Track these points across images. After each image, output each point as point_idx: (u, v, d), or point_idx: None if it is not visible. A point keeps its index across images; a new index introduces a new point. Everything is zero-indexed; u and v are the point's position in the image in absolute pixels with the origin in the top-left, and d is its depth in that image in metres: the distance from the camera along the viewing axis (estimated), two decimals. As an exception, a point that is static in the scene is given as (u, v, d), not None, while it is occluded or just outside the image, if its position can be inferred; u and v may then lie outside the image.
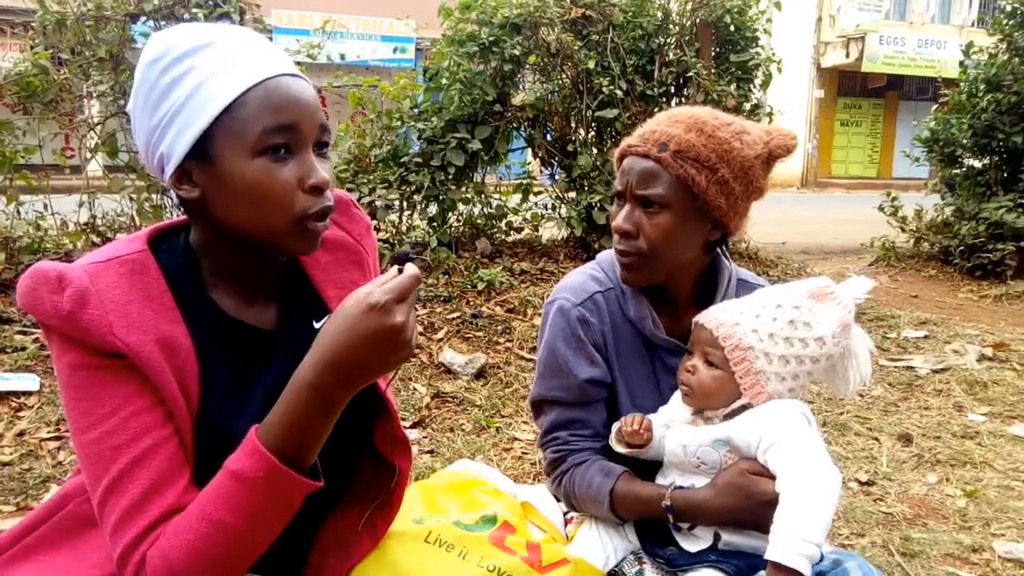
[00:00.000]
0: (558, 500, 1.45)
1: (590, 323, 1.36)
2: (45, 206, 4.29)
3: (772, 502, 1.10)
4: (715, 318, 1.23)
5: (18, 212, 4.19)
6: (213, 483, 0.89)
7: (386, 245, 4.76)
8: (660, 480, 1.29)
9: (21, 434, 2.78)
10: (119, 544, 0.89)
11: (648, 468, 1.32)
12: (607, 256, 1.44)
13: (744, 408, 1.22)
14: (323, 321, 0.92)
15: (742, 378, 1.20)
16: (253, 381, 1.01)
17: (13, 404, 2.96)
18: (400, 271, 0.90)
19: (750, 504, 1.16)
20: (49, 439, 2.74)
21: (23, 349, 3.30)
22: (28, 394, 3.02)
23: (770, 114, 5.63)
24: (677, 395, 1.31)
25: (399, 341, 0.88)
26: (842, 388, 1.24)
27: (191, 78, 0.92)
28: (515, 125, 5.32)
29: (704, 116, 1.28)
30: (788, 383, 1.20)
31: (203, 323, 0.98)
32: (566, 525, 1.43)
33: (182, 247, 1.03)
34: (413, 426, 3.10)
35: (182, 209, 1.02)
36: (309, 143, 0.96)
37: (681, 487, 1.23)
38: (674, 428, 1.27)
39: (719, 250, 1.40)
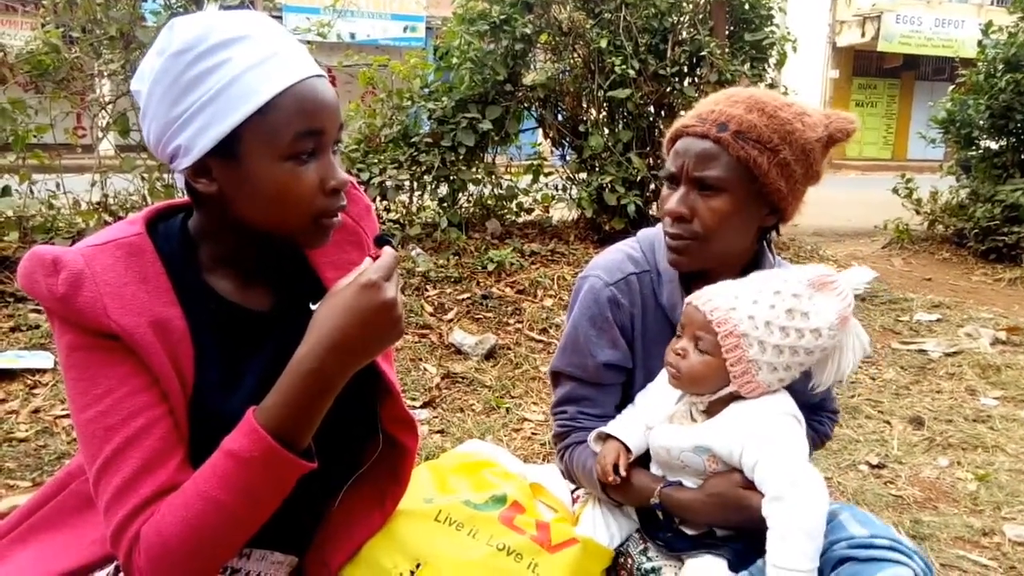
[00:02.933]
0: (563, 473, 1.46)
1: (620, 304, 1.33)
2: (57, 185, 4.31)
3: (760, 516, 1.10)
4: (710, 300, 1.17)
5: (31, 191, 4.21)
6: (209, 462, 0.90)
7: (396, 225, 4.76)
8: (653, 468, 1.28)
9: (36, 411, 2.81)
10: (112, 521, 0.90)
11: (643, 455, 1.30)
12: (648, 234, 1.40)
13: (731, 397, 1.19)
14: (320, 303, 0.93)
15: (733, 366, 1.15)
16: (248, 363, 1.02)
17: (28, 381, 2.99)
18: (375, 256, 0.95)
19: (739, 515, 1.16)
20: (63, 416, 2.77)
21: (37, 327, 3.33)
22: (42, 372, 3.05)
23: (784, 94, 5.57)
24: (663, 375, 1.28)
25: (392, 316, 0.91)
26: (819, 379, 1.19)
27: (223, 73, 0.90)
28: (526, 105, 5.29)
29: (763, 96, 1.23)
30: (779, 373, 1.16)
31: (198, 306, 0.99)
32: (574, 504, 1.44)
33: (179, 230, 1.03)
34: (423, 406, 3.11)
35: (185, 193, 1.02)
36: (330, 145, 0.97)
37: (671, 483, 1.23)
38: (657, 429, 1.24)
39: (763, 240, 1.35)
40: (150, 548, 0.89)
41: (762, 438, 1.13)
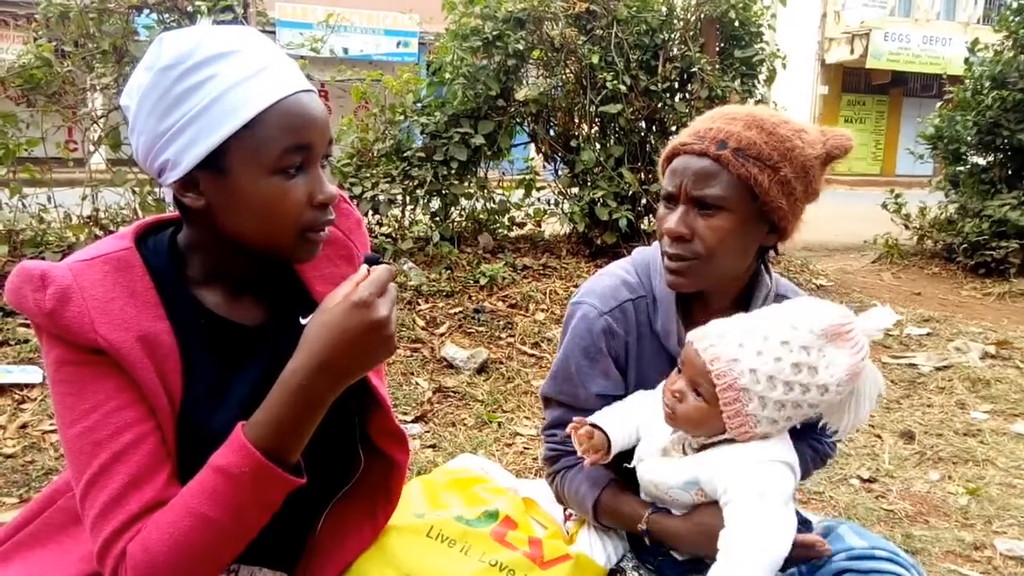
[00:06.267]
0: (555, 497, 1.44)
1: (615, 334, 1.30)
2: (48, 199, 4.30)
3: None
4: (712, 347, 1.09)
5: (22, 205, 4.19)
6: (197, 478, 0.90)
7: (389, 239, 4.76)
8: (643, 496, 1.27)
9: (24, 426, 2.79)
10: (99, 537, 0.90)
11: (633, 474, 1.28)
12: (644, 256, 1.37)
13: (726, 440, 1.15)
14: (309, 318, 0.93)
15: (730, 418, 1.09)
16: (238, 377, 1.01)
17: (16, 396, 2.96)
18: (369, 272, 0.93)
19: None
20: (51, 431, 2.75)
21: (26, 342, 3.31)
22: (31, 386, 3.02)
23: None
24: (653, 410, 1.24)
25: (383, 335, 0.90)
26: (835, 424, 1.12)
27: (211, 88, 0.90)
28: (518, 120, 5.31)
29: (761, 113, 1.21)
30: (779, 424, 1.11)
31: (187, 320, 0.98)
32: (566, 520, 1.43)
33: (167, 244, 1.02)
34: (415, 420, 3.10)
35: (174, 207, 1.01)
36: (319, 159, 0.97)
37: (659, 509, 1.21)
38: (648, 462, 1.21)
39: (761, 259, 1.31)
40: (137, 566, 0.88)
41: (743, 482, 1.09)
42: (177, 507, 0.89)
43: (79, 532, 1.00)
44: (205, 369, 0.99)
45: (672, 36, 5.37)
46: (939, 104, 7.52)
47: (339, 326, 0.89)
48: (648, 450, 1.23)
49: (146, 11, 4.42)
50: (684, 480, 1.15)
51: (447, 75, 5.04)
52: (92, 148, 4.48)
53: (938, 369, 3.98)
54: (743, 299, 1.32)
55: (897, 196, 7.19)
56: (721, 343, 1.09)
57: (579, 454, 1.22)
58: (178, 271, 1.01)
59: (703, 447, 1.17)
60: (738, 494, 1.09)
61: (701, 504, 1.17)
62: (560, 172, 5.53)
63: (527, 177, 5.49)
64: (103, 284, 0.93)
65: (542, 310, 4.29)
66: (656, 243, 1.31)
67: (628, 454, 1.26)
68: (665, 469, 1.19)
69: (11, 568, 1.02)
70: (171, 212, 1.08)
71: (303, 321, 0.94)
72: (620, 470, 1.28)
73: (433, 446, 2.90)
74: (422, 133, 4.96)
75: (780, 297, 1.35)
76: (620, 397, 1.34)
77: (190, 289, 1.01)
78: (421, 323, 3.96)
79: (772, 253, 1.33)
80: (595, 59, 4.99)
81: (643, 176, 5.23)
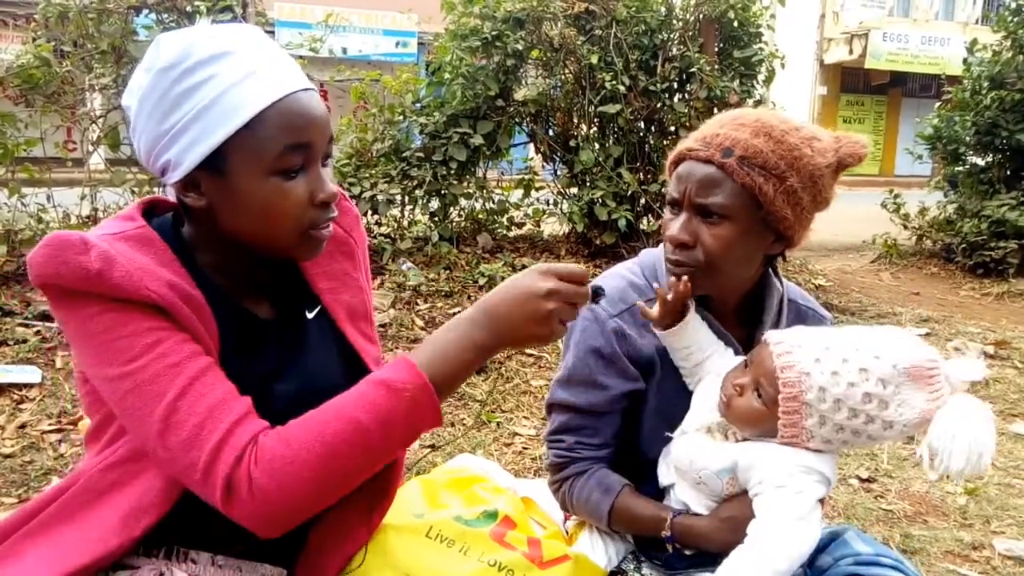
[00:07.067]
0: (560, 504, 1.43)
1: (627, 335, 1.27)
2: (47, 198, 4.30)
3: None
4: (788, 354, 1.07)
5: (21, 204, 4.19)
6: (355, 390, 0.92)
7: (387, 239, 4.77)
8: (660, 466, 1.26)
9: (23, 426, 2.78)
10: (211, 436, 0.87)
11: (644, 474, 1.29)
12: (650, 258, 1.35)
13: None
14: (315, 312, 0.93)
15: (785, 427, 1.08)
16: (251, 364, 1.01)
17: (15, 396, 2.96)
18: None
19: None
20: (51, 431, 2.75)
21: (24, 341, 3.31)
22: (30, 386, 3.02)
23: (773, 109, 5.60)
24: (712, 385, 1.22)
25: (540, 309, 0.93)
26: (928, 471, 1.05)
27: (209, 89, 0.90)
28: (517, 120, 5.31)
29: (771, 119, 1.18)
30: (832, 446, 1.09)
31: (208, 294, 0.98)
32: (565, 520, 1.43)
33: (172, 234, 1.02)
34: (414, 421, 3.10)
35: (178, 204, 1.02)
36: (319, 158, 0.97)
37: (679, 512, 1.19)
38: (689, 435, 1.20)
39: (769, 265, 1.30)
40: (273, 459, 0.87)
41: (778, 477, 1.09)
42: (329, 410, 0.90)
43: (97, 512, 0.96)
44: (228, 344, 0.98)
45: (671, 36, 5.38)
46: (938, 104, 7.53)
47: (514, 280, 0.96)
48: (693, 424, 1.21)
49: (145, 11, 4.42)
50: (721, 466, 1.13)
51: (446, 75, 5.04)
52: (91, 148, 4.48)
53: (937, 369, 3.98)
54: (753, 304, 1.31)
55: (896, 196, 7.19)
56: (797, 352, 1.07)
57: (668, 292, 1.20)
58: (190, 260, 1.01)
59: (747, 438, 1.16)
60: (774, 488, 1.08)
61: (727, 498, 1.15)
62: (559, 172, 5.53)
63: (526, 177, 5.50)
64: (134, 253, 0.93)
65: (541, 310, 4.29)
66: (663, 244, 1.30)
67: (671, 425, 1.24)
68: (705, 449, 1.16)
69: (38, 544, 0.98)
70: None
71: (309, 315, 0.94)
72: (657, 441, 1.27)
73: (432, 446, 2.90)
74: (421, 133, 4.96)
75: (790, 303, 1.34)
76: (642, 393, 1.30)
77: (206, 275, 1.01)
78: (420, 323, 3.96)
79: (780, 259, 1.31)
80: (594, 59, 4.99)
81: (642, 176, 5.23)
